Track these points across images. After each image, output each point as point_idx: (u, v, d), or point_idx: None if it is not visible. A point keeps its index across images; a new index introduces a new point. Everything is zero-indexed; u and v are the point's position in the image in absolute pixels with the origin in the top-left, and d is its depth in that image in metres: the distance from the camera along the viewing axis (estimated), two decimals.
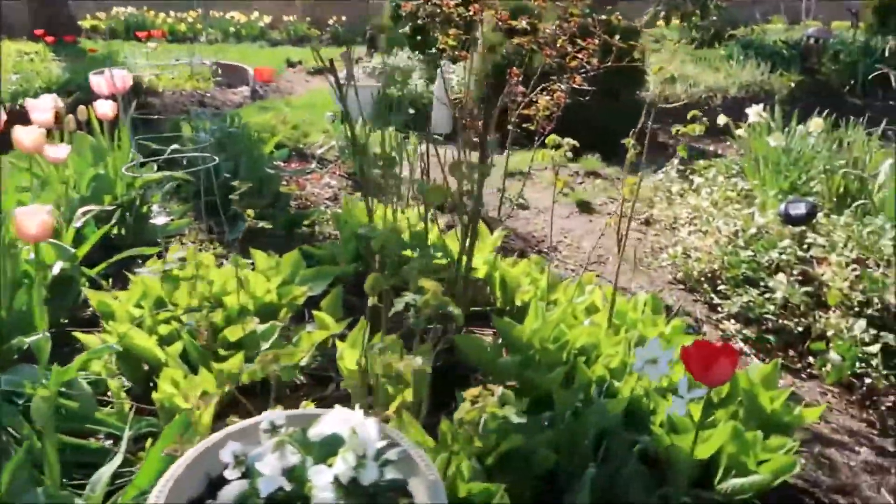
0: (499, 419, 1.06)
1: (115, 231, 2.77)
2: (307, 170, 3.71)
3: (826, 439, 2.13)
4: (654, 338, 1.41)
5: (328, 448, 0.92)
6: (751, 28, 8.20)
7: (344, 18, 11.11)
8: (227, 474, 0.91)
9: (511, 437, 1.34)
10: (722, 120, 3.64)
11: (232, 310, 1.79)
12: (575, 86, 3.20)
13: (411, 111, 5.48)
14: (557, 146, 2.37)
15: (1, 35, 8.35)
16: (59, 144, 2.40)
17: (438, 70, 5.18)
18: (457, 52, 2.45)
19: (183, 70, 7.03)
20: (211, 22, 11.38)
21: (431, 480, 0.99)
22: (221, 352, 1.67)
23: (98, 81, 2.58)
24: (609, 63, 2.57)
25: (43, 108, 2.45)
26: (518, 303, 2.31)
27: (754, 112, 3.36)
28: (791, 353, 2.55)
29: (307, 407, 1.49)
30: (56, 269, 1.86)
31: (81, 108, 2.68)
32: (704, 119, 1.84)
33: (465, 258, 2.05)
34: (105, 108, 2.59)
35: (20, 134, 1.97)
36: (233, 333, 1.72)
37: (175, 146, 3.24)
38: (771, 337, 2.58)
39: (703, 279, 2.95)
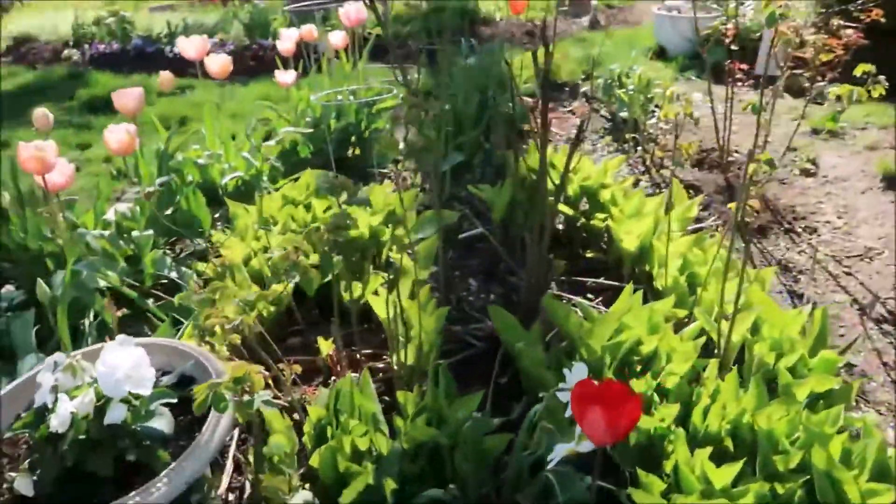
0: None
1: (350, 152, 3.12)
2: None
3: None
4: (579, 363, 1.08)
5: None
6: None
7: None
8: (39, 378, 1.03)
9: (428, 431, 1.21)
10: None
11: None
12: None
13: (734, 48, 4.74)
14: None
15: None
16: (290, 71, 2.75)
17: None
18: None
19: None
20: None
21: (203, 441, 0.98)
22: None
23: (343, 13, 2.85)
24: None
25: (287, 37, 2.82)
26: (658, 286, 1.97)
27: None
28: None
29: None
30: (226, 179, 2.19)
31: (330, 36, 2.99)
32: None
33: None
34: (336, 39, 2.86)
35: (210, 61, 2.33)
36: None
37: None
38: None
39: None
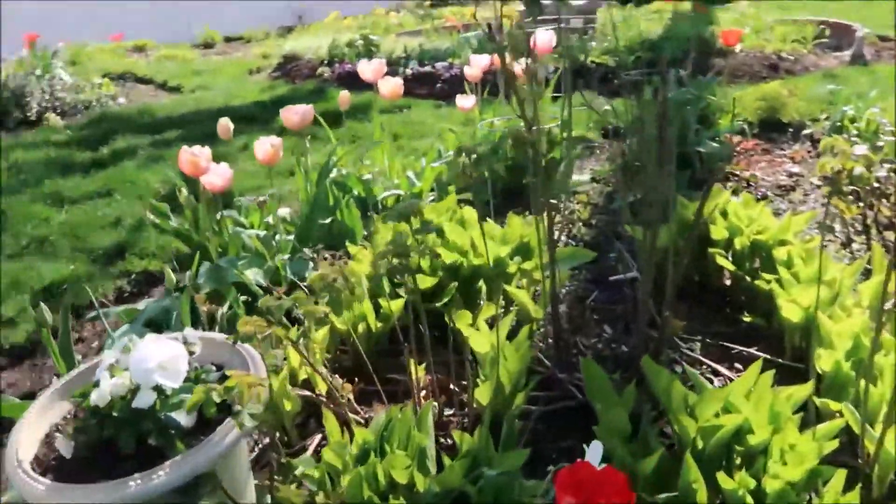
0: None
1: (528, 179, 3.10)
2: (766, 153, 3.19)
3: None
4: (596, 441, 0.92)
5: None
6: None
7: None
8: (106, 356, 1.15)
9: (457, 478, 1.14)
10: None
11: (435, 263, 1.90)
12: None
13: None
14: None
15: None
16: (471, 96, 2.81)
17: None
18: None
19: (783, 28, 6.59)
20: None
21: (215, 440, 1.03)
22: (401, 292, 1.84)
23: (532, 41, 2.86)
24: None
25: (475, 63, 2.89)
26: (818, 368, 1.66)
27: None
28: None
29: None
30: (383, 195, 2.30)
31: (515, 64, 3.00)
32: None
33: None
34: (519, 67, 2.86)
35: (382, 84, 2.44)
36: (421, 282, 1.86)
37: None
38: None
39: None
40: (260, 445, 1.61)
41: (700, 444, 1.29)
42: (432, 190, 2.64)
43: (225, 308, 1.80)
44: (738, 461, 1.27)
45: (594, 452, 0.91)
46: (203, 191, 1.92)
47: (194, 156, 1.77)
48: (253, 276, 1.85)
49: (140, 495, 0.96)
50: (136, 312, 2.06)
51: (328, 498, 1.19)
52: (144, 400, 1.02)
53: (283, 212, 2.24)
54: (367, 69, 2.56)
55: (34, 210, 3.23)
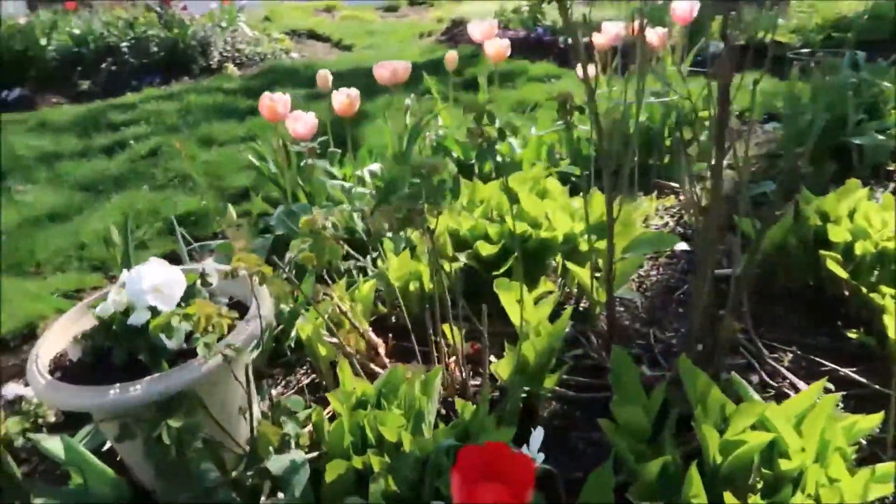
0: None
1: (655, 159, 2.90)
2: None
3: None
4: (538, 428, 0.81)
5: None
6: None
7: None
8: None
9: (430, 445, 1.10)
10: None
11: (501, 230, 1.82)
12: None
13: None
14: None
15: None
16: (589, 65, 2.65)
17: None
18: None
19: None
20: None
21: (194, 365, 1.07)
22: (463, 257, 1.80)
23: (674, 8, 2.63)
24: None
25: (606, 31, 2.73)
26: None
27: None
28: None
29: None
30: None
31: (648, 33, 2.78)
32: None
33: None
34: (653, 36, 2.64)
35: (487, 45, 2.35)
36: (483, 249, 1.80)
37: None
38: None
39: None
40: (298, 385, 1.67)
41: (718, 459, 1.14)
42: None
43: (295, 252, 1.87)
44: (759, 485, 1.11)
45: (535, 440, 0.83)
46: (284, 137, 1.99)
47: (272, 101, 1.84)
48: None
49: (118, 403, 1.03)
50: (230, 248, 2.20)
51: (322, 442, 1.21)
52: (138, 318, 1.09)
53: (374, 167, 2.27)
54: (476, 29, 2.50)
55: (186, 148, 3.55)
